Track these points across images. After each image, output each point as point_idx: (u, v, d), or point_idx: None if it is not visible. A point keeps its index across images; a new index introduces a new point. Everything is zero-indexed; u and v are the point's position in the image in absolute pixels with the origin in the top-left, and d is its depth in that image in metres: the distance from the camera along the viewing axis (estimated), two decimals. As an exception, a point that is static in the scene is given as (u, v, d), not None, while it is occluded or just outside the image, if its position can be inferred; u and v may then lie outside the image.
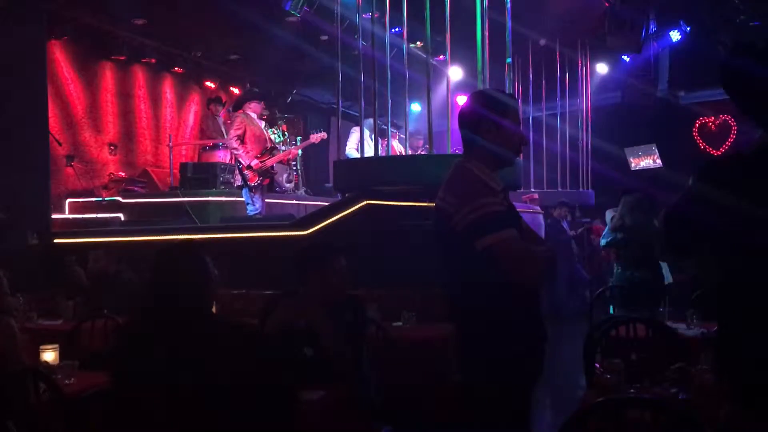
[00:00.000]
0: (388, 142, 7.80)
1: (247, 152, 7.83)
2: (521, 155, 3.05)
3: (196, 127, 11.93)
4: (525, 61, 11.94)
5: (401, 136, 9.23)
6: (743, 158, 1.75)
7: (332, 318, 3.41)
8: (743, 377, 1.67)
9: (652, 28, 10.98)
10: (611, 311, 6.04)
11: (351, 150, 9.09)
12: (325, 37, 10.36)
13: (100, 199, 9.58)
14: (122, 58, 10.53)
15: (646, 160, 13.86)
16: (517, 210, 2.93)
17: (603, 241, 6.19)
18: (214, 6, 9.25)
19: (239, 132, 7.88)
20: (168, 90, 11.82)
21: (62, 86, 9.79)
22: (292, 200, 10.00)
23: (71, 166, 9.66)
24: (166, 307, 2.40)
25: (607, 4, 10.18)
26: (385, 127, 7.75)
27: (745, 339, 1.66)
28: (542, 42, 11.88)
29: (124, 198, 9.43)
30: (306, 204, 9.96)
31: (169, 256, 2.52)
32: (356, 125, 9.56)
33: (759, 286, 1.60)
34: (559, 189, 12.01)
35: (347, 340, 3.37)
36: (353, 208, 6.61)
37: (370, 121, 7.86)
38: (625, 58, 12.48)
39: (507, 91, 5.78)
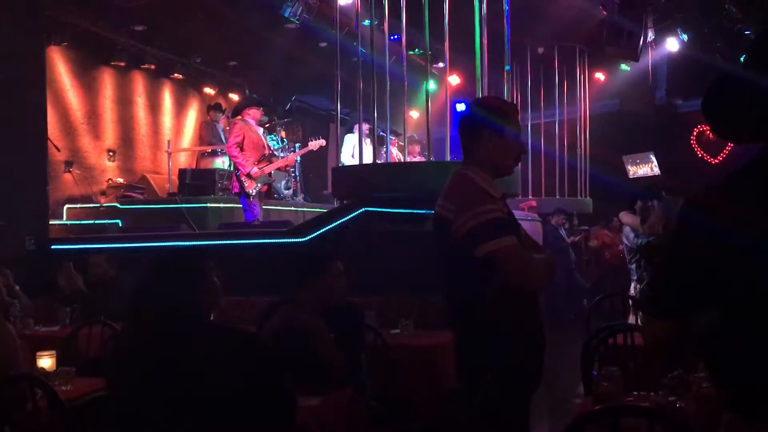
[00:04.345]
0: (386, 149, 7.80)
1: (246, 160, 7.82)
2: (519, 163, 3.05)
3: (195, 133, 11.93)
4: (524, 69, 11.97)
5: (400, 143, 9.25)
6: (735, 177, 1.72)
7: (330, 324, 3.42)
8: (742, 384, 1.67)
9: (650, 36, 11.01)
10: None
11: (346, 158, 9.09)
12: (324, 44, 10.38)
13: (98, 205, 9.57)
14: (121, 64, 10.55)
15: (644, 168, 13.88)
16: (516, 218, 2.93)
17: None
18: (214, 13, 9.27)
19: (238, 139, 7.87)
20: (167, 96, 11.83)
21: (61, 92, 9.79)
22: (290, 207, 10.01)
23: (69, 172, 9.66)
24: (163, 314, 2.40)
25: (605, 13, 10.21)
26: (384, 134, 7.76)
27: (744, 343, 1.65)
28: (541, 50, 11.91)
29: (122, 204, 9.42)
30: (304, 211, 9.96)
31: (167, 263, 2.51)
32: (349, 132, 9.59)
33: (758, 288, 1.60)
34: (557, 196, 12.02)
35: (345, 346, 3.37)
36: (351, 215, 6.61)
37: (364, 126, 7.87)
38: (624, 66, 12.51)
39: (506, 99, 5.81)
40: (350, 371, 3.35)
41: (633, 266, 7.77)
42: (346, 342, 3.40)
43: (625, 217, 7.78)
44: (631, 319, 5.19)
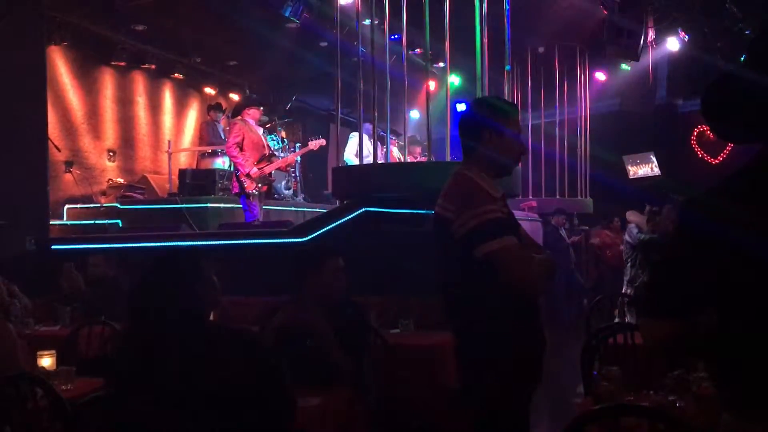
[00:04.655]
0: (387, 149, 7.80)
1: (246, 160, 7.82)
2: (519, 163, 3.06)
3: (196, 133, 11.93)
4: (524, 69, 11.97)
5: (400, 143, 9.26)
6: (733, 178, 1.71)
7: (333, 323, 3.41)
8: (742, 384, 1.67)
9: (651, 36, 11.01)
10: None
11: (350, 156, 9.09)
12: (324, 44, 10.38)
13: (99, 205, 9.57)
14: (122, 63, 10.54)
15: (645, 168, 13.88)
16: (516, 218, 2.94)
17: None
18: (214, 12, 9.27)
19: (238, 139, 7.86)
20: (167, 96, 11.83)
21: (61, 92, 9.79)
22: (291, 207, 10.01)
23: (70, 172, 9.66)
24: (162, 314, 2.40)
25: (605, 13, 10.21)
26: (384, 134, 7.76)
27: (744, 343, 1.65)
28: (541, 49, 11.91)
29: (122, 204, 9.42)
30: (304, 211, 9.96)
31: (166, 262, 2.51)
32: (354, 131, 9.59)
33: (758, 288, 1.60)
34: (558, 197, 12.02)
35: (348, 345, 3.36)
36: (352, 215, 6.60)
37: (369, 125, 7.88)
38: (624, 65, 12.51)
39: (506, 99, 5.81)
40: (352, 370, 3.35)
41: (628, 264, 7.79)
42: (350, 341, 3.39)
43: (632, 215, 7.80)
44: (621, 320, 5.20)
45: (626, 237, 7.98)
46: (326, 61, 9.38)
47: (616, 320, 5.13)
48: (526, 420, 2.81)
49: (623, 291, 7.62)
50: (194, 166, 10.76)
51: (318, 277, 3.50)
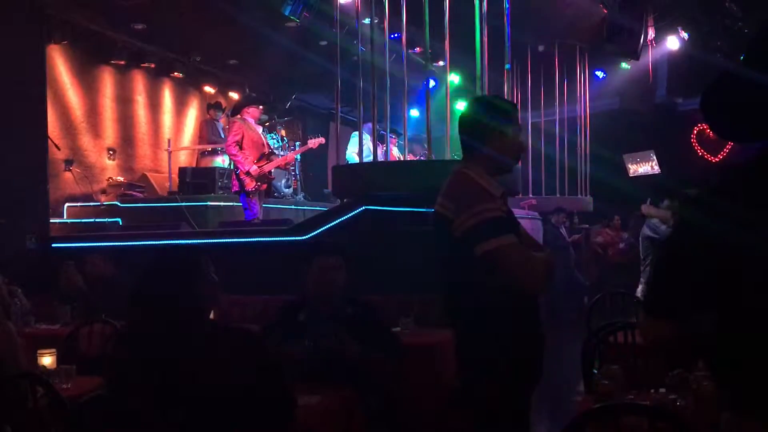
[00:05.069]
0: (386, 148, 7.81)
1: (246, 158, 7.83)
2: (520, 161, 3.06)
3: (195, 132, 11.92)
4: (524, 67, 11.96)
5: (400, 142, 9.26)
6: (738, 172, 1.71)
7: (336, 321, 3.40)
8: (742, 384, 1.67)
9: (651, 34, 11.01)
10: None
11: (352, 154, 9.09)
12: (324, 43, 10.38)
13: (99, 203, 9.57)
14: (121, 62, 10.53)
15: (645, 167, 13.88)
16: (516, 216, 2.94)
17: None
18: (214, 11, 9.26)
19: (237, 138, 7.87)
20: (167, 95, 11.82)
21: (61, 90, 9.78)
22: (291, 205, 10.01)
23: (70, 170, 9.65)
24: (162, 312, 2.40)
25: (605, 11, 10.21)
26: (384, 133, 7.77)
27: (744, 343, 1.65)
28: (541, 48, 11.90)
29: (122, 203, 9.43)
30: (304, 209, 9.97)
31: (164, 260, 2.51)
32: (356, 130, 9.60)
33: (758, 288, 1.60)
34: (558, 195, 12.02)
35: (353, 342, 3.35)
36: (352, 214, 6.60)
37: (370, 125, 7.88)
38: (624, 64, 12.51)
39: (506, 98, 5.82)
40: (354, 368, 3.32)
41: (647, 262, 7.56)
42: (355, 338, 3.37)
43: (651, 209, 7.34)
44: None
45: (647, 232, 7.43)
46: (326, 60, 9.38)
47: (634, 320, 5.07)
48: (526, 419, 2.81)
49: (638, 291, 7.26)
50: (194, 165, 10.75)
51: (310, 275, 3.48)
